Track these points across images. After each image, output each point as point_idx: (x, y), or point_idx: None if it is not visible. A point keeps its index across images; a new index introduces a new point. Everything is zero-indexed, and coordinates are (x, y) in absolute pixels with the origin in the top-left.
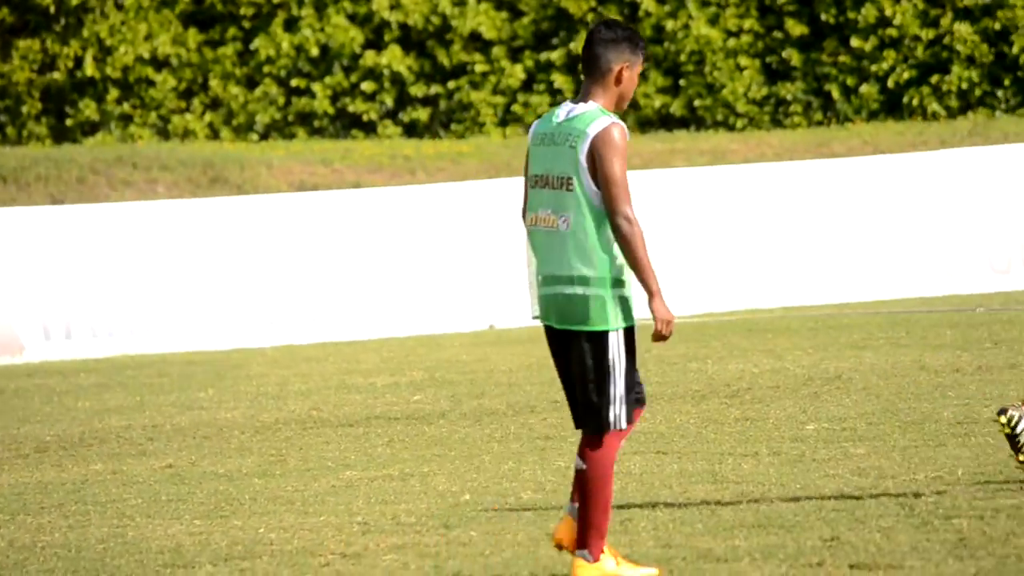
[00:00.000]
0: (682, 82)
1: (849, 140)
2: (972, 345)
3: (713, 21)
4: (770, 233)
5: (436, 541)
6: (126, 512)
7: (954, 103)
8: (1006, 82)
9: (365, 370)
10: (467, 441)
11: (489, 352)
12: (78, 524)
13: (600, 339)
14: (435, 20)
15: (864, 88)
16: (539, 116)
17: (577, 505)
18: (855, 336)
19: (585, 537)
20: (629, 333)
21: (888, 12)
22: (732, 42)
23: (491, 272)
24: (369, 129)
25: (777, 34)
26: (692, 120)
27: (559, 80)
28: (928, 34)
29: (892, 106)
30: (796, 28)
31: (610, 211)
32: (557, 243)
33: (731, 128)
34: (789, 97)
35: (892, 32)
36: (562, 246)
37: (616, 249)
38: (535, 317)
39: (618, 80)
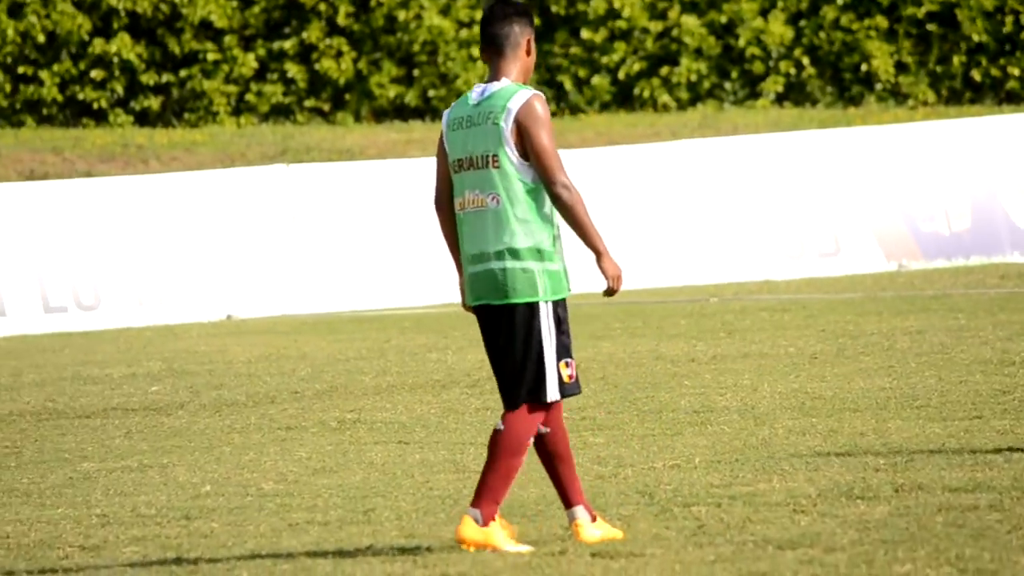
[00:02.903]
0: (415, 72)
1: (583, 131)
2: (706, 334)
3: (445, 12)
4: None
5: (177, 533)
6: None
7: (684, 95)
8: (733, 75)
9: (101, 361)
10: (207, 432)
11: (227, 342)
12: None
13: (530, 311)
14: (164, 8)
15: (596, 80)
16: (273, 105)
17: (479, 510)
18: (592, 326)
19: (480, 498)
20: (558, 307)
21: (617, 4)
22: (464, 32)
23: (229, 262)
24: (100, 117)
25: None
26: (427, 110)
27: (292, 69)
28: (657, 27)
29: (624, 98)
30: None
31: (547, 182)
32: (486, 221)
33: None
34: None
35: (622, 24)
36: (491, 223)
37: (544, 223)
38: (466, 305)
39: (528, 52)
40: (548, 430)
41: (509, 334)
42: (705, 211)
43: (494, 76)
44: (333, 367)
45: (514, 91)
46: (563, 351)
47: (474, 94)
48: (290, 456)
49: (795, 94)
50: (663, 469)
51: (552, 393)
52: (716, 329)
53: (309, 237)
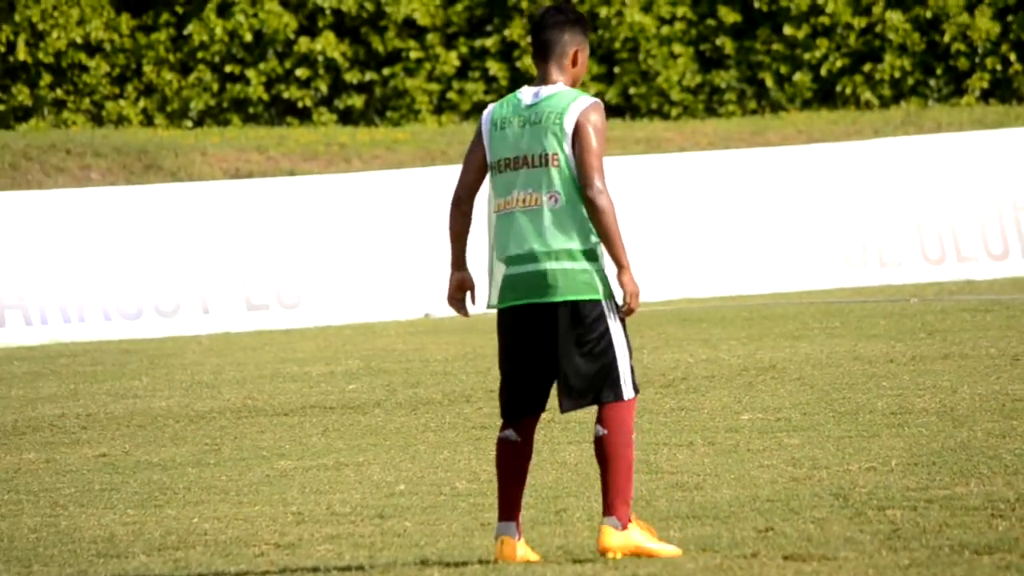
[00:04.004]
0: (616, 69)
1: (783, 129)
2: (906, 335)
3: (647, 8)
4: (705, 222)
5: (371, 531)
6: (59, 501)
7: (887, 92)
8: (938, 71)
9: (300, 359)
10: (402, 431)
11: (425, 341)
12: (10, 513)
13: (597, 309)
14: (369, 6)
15: (797, 76)
16: (474, 103)
17: (614, 517)
18: (789, 326)
19: (611, 504)
20: (617, 307)
21: (820, 0)
22: (666, 29)
23: (427, 260)
24: (304, 116)
25: (710, 21)
26: (627, 108)
27: (494, 67)
28: (860, 22)
29: (825, 95)
30: (729, 16)
31: (587, 184)
32: (539, 221)
33: (666, 116)
34: (723, 85)
35: (824, 20)
36: (548, 223)
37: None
38: (491, 306)
39: (574, 62)
40: (606, 432)
41: (575, 333)
42: (906, 210)
43: (543, 81)
44: None
45: (576, 95)
46: (630, 349)
47: (526, 96)
48: (484, 455)
49: (1001, 90)
50: (858, 471)
51: (629, 390)
52: (916, 330)
53: None
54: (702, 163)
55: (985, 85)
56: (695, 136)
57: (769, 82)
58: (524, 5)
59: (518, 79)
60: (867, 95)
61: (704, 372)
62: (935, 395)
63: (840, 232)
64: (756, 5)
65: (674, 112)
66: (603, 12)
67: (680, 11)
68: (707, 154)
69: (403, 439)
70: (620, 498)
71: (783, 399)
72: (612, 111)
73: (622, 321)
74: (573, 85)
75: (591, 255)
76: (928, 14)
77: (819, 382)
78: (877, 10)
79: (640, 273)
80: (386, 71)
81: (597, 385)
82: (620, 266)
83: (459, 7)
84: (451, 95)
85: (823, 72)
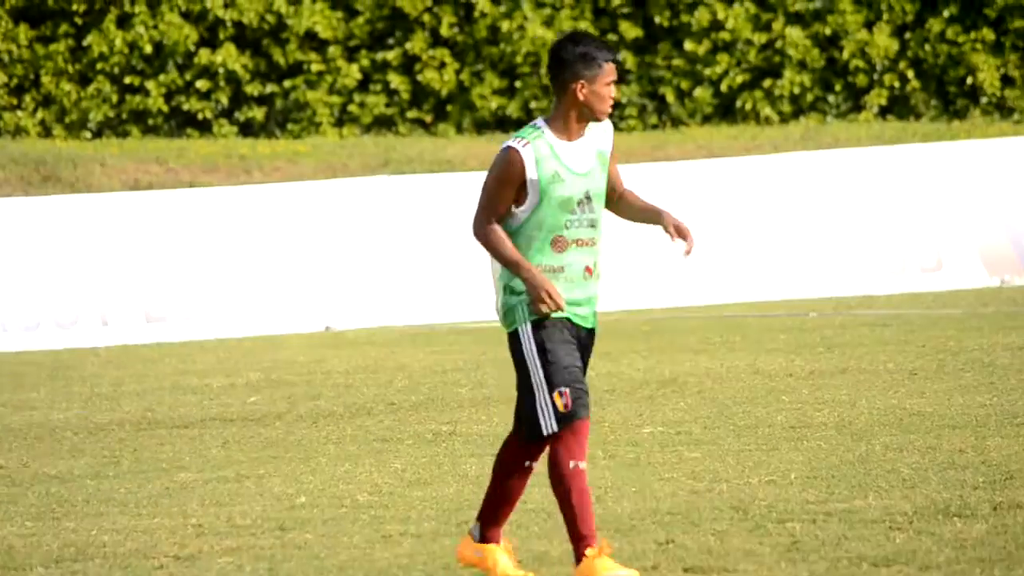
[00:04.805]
0: (518, 83)
1: (684, 143)
2: (805, 349)
3: (548, 23)
4: (605, 236)
5: (271, 544)
6: None
7: (786, 108)
8: (837, 87)
9: (200, 371)
10: (303, 443)
11: (325, 354)
12: None
13: (515, 341)
14: (270, 19)
15: (698, 92)
16: (375, 116)
17: (478, 524)
18: (690, 340)
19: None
20: (540, 334)
21: (721, 16)
22: None
23: (328, 273)
24: (204, 128)
25: (612, 36)
26: (528, 122)
27: (395, 80)
28: (760, 38)
29: (725, 110)
30: (631, 31)
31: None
32: None
33: None
34: (624, 100)
35: (725, 36)
36: None
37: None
38: None
39: (574, 98)
40: (530, 465)
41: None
42: (805, 225)
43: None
44: (430, 379)
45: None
46: (551, 383)
47: None
48: (385, 468)
49: (899, 107)
50: (758, 484)
51: (547, 426)
52: (815, 344)
53: (410, 248)
54: None
55: (883, 102)
56: None
57: (670, 97)
58: (426, 19)
59: (419, 92)
60: (767, 111)
61: (605, 385)
62: (834, 409)
63: (739, 246)
64: (657, 20)
65: None
66: (505, 26)
67: (581, 26)
68: None
69: (304, 451)
70: (491, 516)
71: (684, 413)
72: (515, 124)
73: (543, 352)
74: (586, 116)
75: (508, 289)
76: (827, 31)
77: (719, 396)
78: (777, 26)
79: None
80: (287, 83)
81: (523, 417)
82: (525, 281)
83: (360, 20)
84: (352, 108)
85: (723, 87)
